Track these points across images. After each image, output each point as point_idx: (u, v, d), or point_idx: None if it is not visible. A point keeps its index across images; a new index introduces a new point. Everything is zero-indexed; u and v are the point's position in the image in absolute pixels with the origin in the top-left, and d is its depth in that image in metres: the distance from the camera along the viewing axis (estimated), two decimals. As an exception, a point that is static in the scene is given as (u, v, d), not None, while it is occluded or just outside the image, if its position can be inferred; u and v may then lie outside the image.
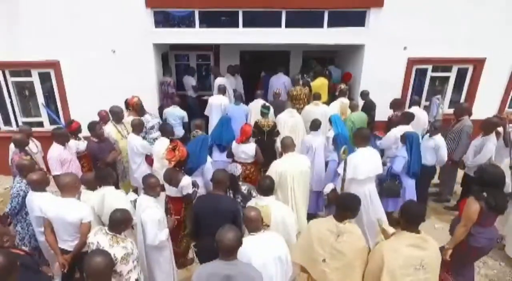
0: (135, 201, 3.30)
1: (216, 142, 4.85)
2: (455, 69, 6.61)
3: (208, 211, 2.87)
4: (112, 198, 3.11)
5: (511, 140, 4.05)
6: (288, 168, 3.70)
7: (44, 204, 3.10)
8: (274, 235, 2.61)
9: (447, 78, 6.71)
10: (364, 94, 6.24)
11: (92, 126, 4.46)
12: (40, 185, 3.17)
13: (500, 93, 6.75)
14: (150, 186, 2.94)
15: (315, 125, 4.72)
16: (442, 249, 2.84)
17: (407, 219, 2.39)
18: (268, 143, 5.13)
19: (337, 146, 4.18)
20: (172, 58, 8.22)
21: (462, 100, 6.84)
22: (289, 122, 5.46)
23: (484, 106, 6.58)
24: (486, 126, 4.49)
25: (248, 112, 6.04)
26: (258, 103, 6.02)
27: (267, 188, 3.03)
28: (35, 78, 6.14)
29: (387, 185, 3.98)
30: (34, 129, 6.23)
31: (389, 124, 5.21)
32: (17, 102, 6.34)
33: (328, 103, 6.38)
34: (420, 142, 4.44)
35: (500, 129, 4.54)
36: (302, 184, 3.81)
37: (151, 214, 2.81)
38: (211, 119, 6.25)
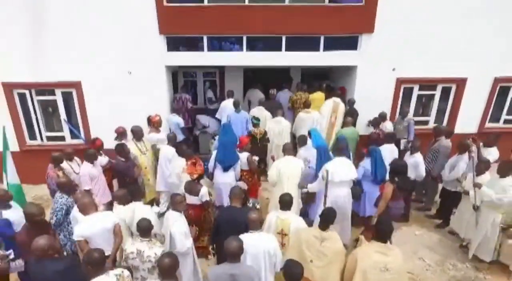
0: (158, 213, 3.97)
1: None
2: (439, 88, 7.25)
3: (228, 221, 3.58)
4: (141, 211, 3.74)
5: (474, 161, 4.70)
6: (286, 166, 4.77)
7: (81, 225, 3.51)
8: (267, 235, 3.31)
9: (433, 95, 7.37)
10: (351, 102, 6.99)
11: (121, 148, 5.05)
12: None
13: (481, 109, 7.39)
14: (177, 202, 3.58)
15: (302, 141, 5.45)
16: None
17: (378, 232, 3.08)
18: (261, 147, 6.38)
19: (319, 156, 4.90)
20: (180, 76, 8.89)
21: (446, 114, 7.50)
22: (275, 129, 6.54)
23: (467, 121, 7.29)
24: (461, 147, 5.18)
25: (248, 119, 6.77)
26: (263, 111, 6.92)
27: (287, 203, 3.62)
28: (58, 97, 6.76)
29: (352, 189, 4.75)
30: (56, 143, 6.95)
31: (369, 141, 5.96)
32: (41, 118, 6.96)
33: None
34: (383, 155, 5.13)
35: (474, 148, 5.22)
36: (295, 179, 4.75)
37: (179, 226, 3.45)
38: (223, 121, 6.90)
